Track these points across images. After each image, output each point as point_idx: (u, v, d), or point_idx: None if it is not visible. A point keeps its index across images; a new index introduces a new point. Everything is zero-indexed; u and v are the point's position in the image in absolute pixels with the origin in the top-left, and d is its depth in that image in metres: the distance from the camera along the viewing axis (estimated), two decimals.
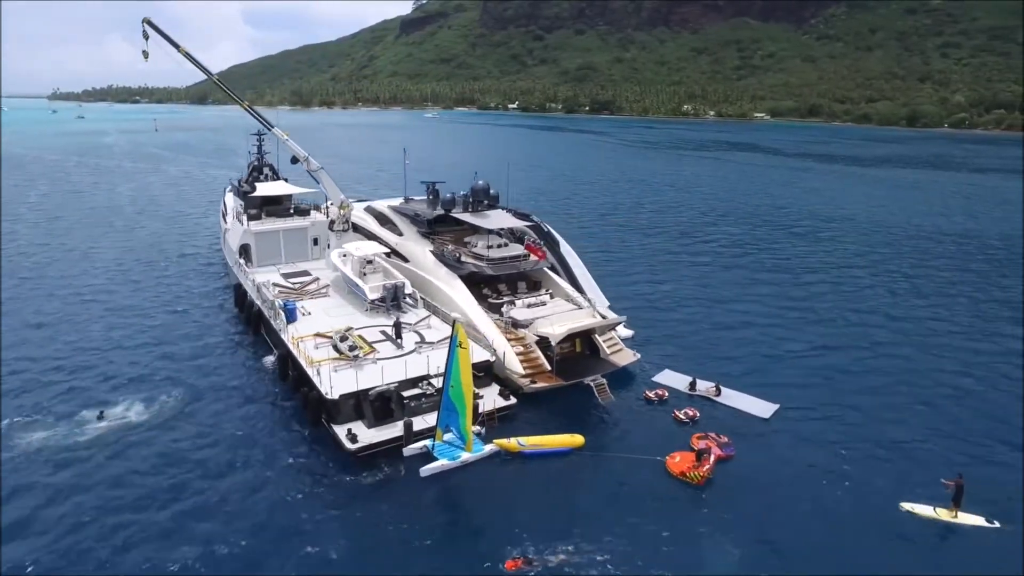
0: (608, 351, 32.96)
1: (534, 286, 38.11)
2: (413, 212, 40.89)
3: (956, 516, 21.18)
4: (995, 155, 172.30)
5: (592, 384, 30.38)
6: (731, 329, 39.39)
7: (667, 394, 30.53)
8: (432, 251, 38.02)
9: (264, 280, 38.88)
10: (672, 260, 55.94)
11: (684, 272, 52.10)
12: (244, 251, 43.31)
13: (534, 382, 30.25)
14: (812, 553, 20.09)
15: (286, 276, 40.94)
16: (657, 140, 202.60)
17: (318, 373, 27.24)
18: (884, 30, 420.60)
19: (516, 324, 32.79)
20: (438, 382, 28.43)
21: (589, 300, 38.40)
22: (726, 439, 26.34)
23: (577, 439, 26.20)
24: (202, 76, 43.61)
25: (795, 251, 59.97)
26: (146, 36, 37.57)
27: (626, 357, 32.95)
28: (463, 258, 36.39)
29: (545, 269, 38.26)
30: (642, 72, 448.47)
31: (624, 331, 37.52)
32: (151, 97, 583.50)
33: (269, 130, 42.54)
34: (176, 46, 38.92)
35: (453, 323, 24.51)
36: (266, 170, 50.60)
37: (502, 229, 37.93)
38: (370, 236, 43.39)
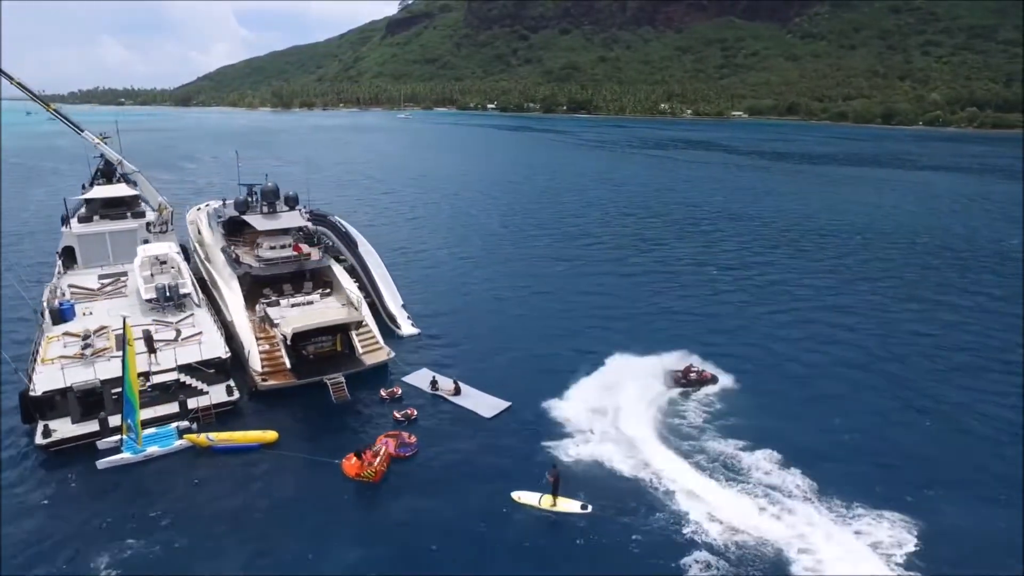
0: (361, 350, 33.70)
1: (325, 285, 38.88)
2: (217, 215, 41.67)
3: (556, 504, 22.38)
4: (954, 152, 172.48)
5: (328, 383, 31.13)
6: (508, 331, 39.94)
7: (400, 392, 31.26)
8: (221, 251, 38.84)
9: (71, 283, 39.70)
10: (511, 260, 56.28)
11: (511, 272, 52.48)
12: (68, 253, 44.06)
13: (265, 380, 30.97)
14: (445, 549, 20.90)
15: (102, 278, 41.65)
16: (615, 139, 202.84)
17: (34, 370, 28.06)
18: (868, 28, 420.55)
19: (268, 322, 33.52)
20: (161, 378, 29.42)
21: (376, 299, 39.26)
22: (413, 439, 27.03)
23: (269, 435, 26.95)
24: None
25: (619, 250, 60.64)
26: None
27: (378, 356, 33.70)
28: (241, 258, 37.17)
29: (335, 269, 39.00)
30: (625, 71, 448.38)
31: (410, 329, 38.48)
32: (136, 99, 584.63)
33: (79, 134, 43.19)
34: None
35: (124, 321, 25.38)
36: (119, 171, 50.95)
37: (291, 229, 38.68)
38: (198, 238, 44.37)
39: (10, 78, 40.04)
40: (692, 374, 31.75)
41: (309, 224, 40.60)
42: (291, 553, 20.67)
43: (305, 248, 38.00)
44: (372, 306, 40.34)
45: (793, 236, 66.44)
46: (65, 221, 44.85)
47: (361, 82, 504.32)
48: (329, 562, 20.32)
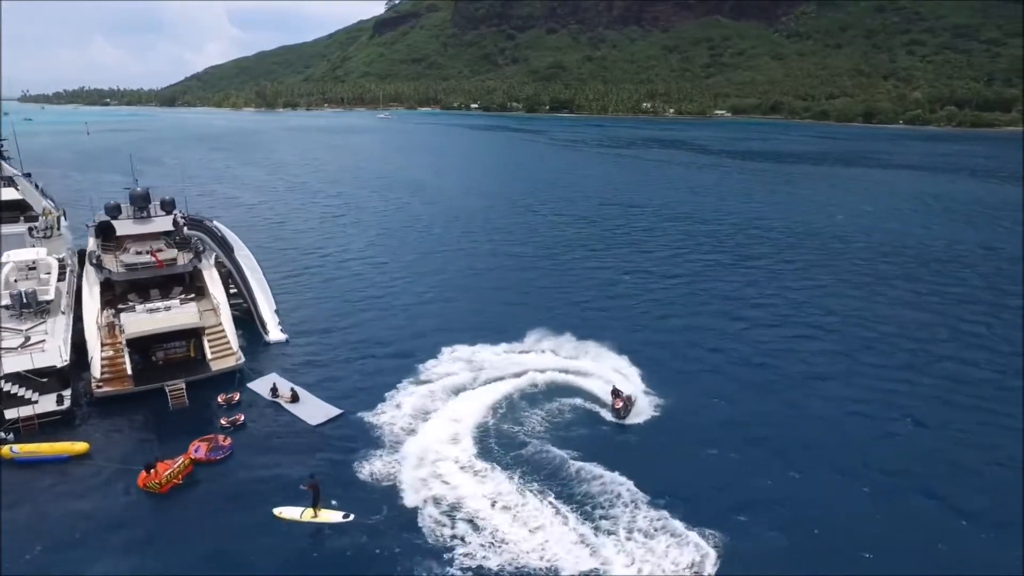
0: (210, 355, 33.43)
1: (199, 291, 38.56)
2: (96, 220, 41.31)
3: (317, 515, 22.31)
4: (927, 151, 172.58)
5: (168, 389, 30.84)
6: (380, 339, 39.70)
7: (239, 397, 31.19)
8: (88, 255, 38.50)
9: None
10: (423, 266, 56.12)
11: (396, 277, 52.40)
12: None
13: (100, 387, 30.63)
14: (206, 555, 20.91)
15: None
16: (587, 138, 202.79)
17: None
18: (853, 28, 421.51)
19: (117, 328, 33.17)
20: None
21: (251, 304, 38.91)
22: (227, 443, 26.89)
23: (79, 447, 26.70)
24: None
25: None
26: None
27: (227, 362, 33.55)
28: (105, 263, 36.83)
29: (205, 274, 38.67)
30: (611, 71, 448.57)
31: (278, 335, 38.22)
32: (120, 99, 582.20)
33: None
34: None
35: None
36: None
37: (159, 233, 38.40)
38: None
39: None
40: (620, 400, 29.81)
41: (185, 228, 40.26)
42: (42, 562, 20.36)
43: (171, 253, 37.61)
44: (247, 311, 40.22)
45: (723, 236, 66.31)
46: None
47: (348, 82, 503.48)
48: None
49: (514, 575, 19.88)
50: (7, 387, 29.38)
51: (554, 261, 57.13)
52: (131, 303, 35.98)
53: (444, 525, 21.91)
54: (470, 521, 22.03)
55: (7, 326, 34.22)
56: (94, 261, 36.82)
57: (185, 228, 40.77)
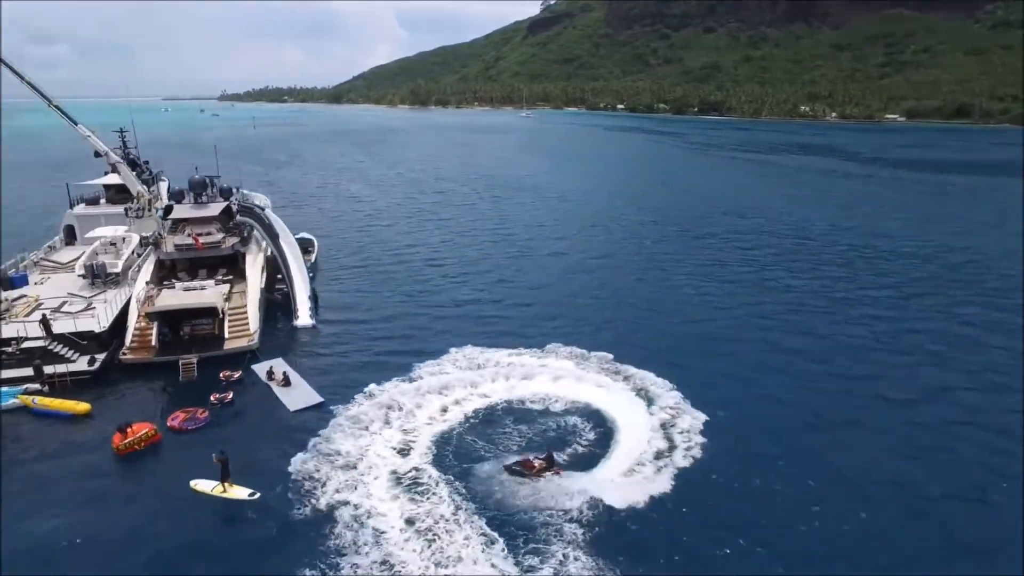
0: (227, 335, 35.93)
1: (240, 273, 41.73)
2: (166, 204, 46.11)
3: (226, 490, 23.07)
4: None
5: (181, 362, 33.66)
6: (406, 333, 40.39)
7: (238, 376, 33.22)
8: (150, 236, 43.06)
9: (51, 257, 46.13)
10: (483, 264, 56.14)
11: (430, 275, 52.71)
12: (69, 231, 50.93)
13: (126, 354, 34.08)
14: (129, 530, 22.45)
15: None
16: (727, 142, 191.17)
17: None
18: None
19: (148, 302, 36.66)
20: (28, 344, 33.40)
21: (289, 289, 41.50)
22: (203, 416, 28.87)
23: (82, 407, 29.82)
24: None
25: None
26: None
27: (239, 342, 35.86)
28: (161, 244, 40.96)
29: (248, 258, 41.66)
30: (771, 72, 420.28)
31: (306, 321, 40.35)
32: (296, 97, 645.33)
33: (74, 126, 49.32)
34: (8, 66, 46.75)
35: None
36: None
37: (209, 217, 42.02)
38: None
39: (21, 77, 47.06)
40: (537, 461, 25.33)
41: (237, 215, 43.63)
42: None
43: (215, 237, 40.94)
44: (287, 296, 42.80)
45: (840, 253, 59.18)
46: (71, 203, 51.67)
47: (499, 81, 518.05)
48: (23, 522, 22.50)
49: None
50: (54, 347, 33.62)
51: (626, 270, 53.94)
52: (175, 280, 39.65)
53: (343, 531, 21.51)
54: (376, 535, 21.27)
55: (77, 293, 39.21)
56: (152, 241, 41.07)
57: (237, 215, 44.06)
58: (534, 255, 58.52)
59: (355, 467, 25.06)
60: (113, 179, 53.24)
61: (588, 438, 27.42)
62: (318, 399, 30.94)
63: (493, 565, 20.22)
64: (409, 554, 20.55)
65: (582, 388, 31.80)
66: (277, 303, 43.29)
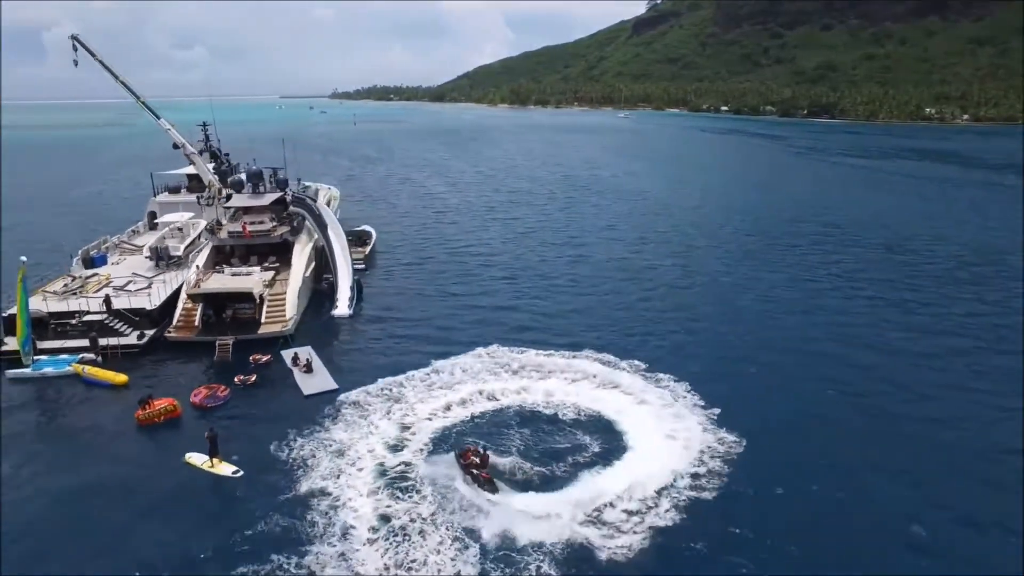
0: (263, 319, 37.50)
1: (288, 261, 43.47)
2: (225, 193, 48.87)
3: (214, 465, 24.25)
4: None
5: (217, 343, 35.50)
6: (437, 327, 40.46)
7: (266, 359, 34.53)
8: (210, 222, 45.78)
9: (132, 240, 50.20)
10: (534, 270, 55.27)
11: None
12: (151, 217, 55.19)
13: (170, 332, 36.33)
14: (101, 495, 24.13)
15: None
16: (827, 146, 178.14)
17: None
18: None
19: (195, 285, 38.83)
20: (95, 316, 36.37)
21: (333, 278, 42.91)
22: (223, 393, 30.45)
23: (120, 378, 32.09)
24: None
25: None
26: (75, 48, 50.45)
27: (273, 327, 37.35)
28: (217, 231, 43.40)
29: (296, 247, 43.32)
30: (895, 71, 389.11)
31: (344, 311, 41.54)
32: (401, 95, 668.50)
33: (157, 120, 53.17)
34: (98, 59, 51.30)
35: (21, 264, 32.53)
36: (205, 155, 61.29)
37: (263, 207, 44.14)
38: None
39: (115, 76, 51.43)
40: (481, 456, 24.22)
41: (290, 206, 45.51)
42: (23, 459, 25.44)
43: (264, 226, 42.87)
44: (332, 285, 44.17)
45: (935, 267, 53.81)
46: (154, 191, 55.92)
47: (601, 81, 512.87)
48: (51, 478, 24.66)
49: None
50: (112, 321, 36.38)
51: (690, 281, 50.06)
52: (225, 266, 41.85)
53: (316, 519, 21.60)
54: (344, 529, 21.19)
55: (141, 273, 42.25)
56: (209, 228, 43.56)
57: (291, 206, 45.90)
58: (593, 259, 56.62)
59: (344, 456, 25.25)
60: (192, 169, 57.04)
61: (583, 455, 25.60)
62: (332, 386, 31.55)
63: (457, 572, 19.58)
64: (370, 553, 20.27)
65: (601, 398, 30.37)
66: (323, 292, 44.62)
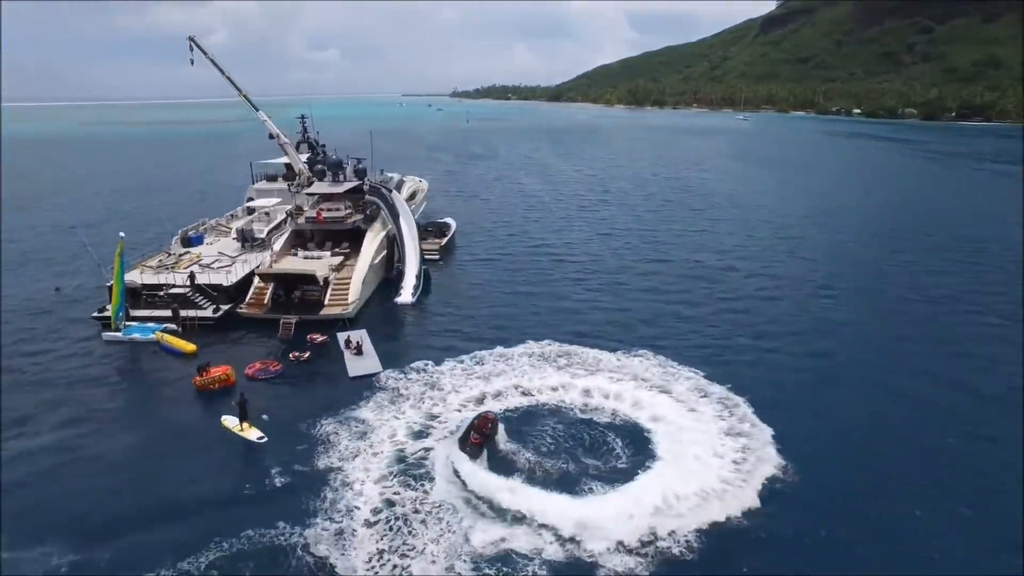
0: (326, 302, 38.98)
1: (358, 247, 44.89)
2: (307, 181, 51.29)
3: (243, 429, 25.73)
4: None
5: (282, 321, 37.36)
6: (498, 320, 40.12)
7: (322, 339, 35.92)
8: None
9: (227, 223, 54.15)
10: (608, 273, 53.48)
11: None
12: (249, 202, 59.15)
13: (241, 308, 38.63)
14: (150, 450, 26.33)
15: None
16: (974, 151, 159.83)
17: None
18: None
19: (269, 266, 41.02)
20: (179, 290, 39.46)
21: (401, 265, 44.04)
22: (275, 368, 32.27)
23: (190, 347, 34.53)
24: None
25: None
26: (192, 49, 55.03)
27: (333, 310, 38.68)
28: (294, 216, 45.68)
29: (368, 235, 44.71)
30: None
31: (406, 299, 42.49)
32: (518, 95, 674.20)
33: (255, 110, 56.68)
34: (209, 58, 55.61)
35: (119, 239, 35.74)
36: (303, 145, 64.35)
37: (340, 194, 46.02)
38: None
39: (221, 71, 55.55)
40: (487, 426, 25.03)
41: (366, 195, 47.06)
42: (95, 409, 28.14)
43: (339, 213, 44.56)
44: (401, 273, 45.19)
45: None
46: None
47: (723, 83, 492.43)
48: (112, 427, 27.20)
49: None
50: (193, 296, 39.25)
51: (779, 291, 45.64)
52: (299, 249, 43.90)
53: (326, 494, 22.04)
54: (349, 510, 21.35)
55: (227, 253, 45.26)
56: (290, 213, 45.89)
57: (367, 194, 47.37)
58: (674, 264, 53.34)
59: (365, 438, 25.53)
60: (282, 159, 60.68)
61: (608, 462, 24.28)
62: (377, 370, 32.14)
63: (450, 566, 19.09)
64: (367, 534, 20.28)
65: (644, 402, 28.70)
66: (393, 280, 45.66)
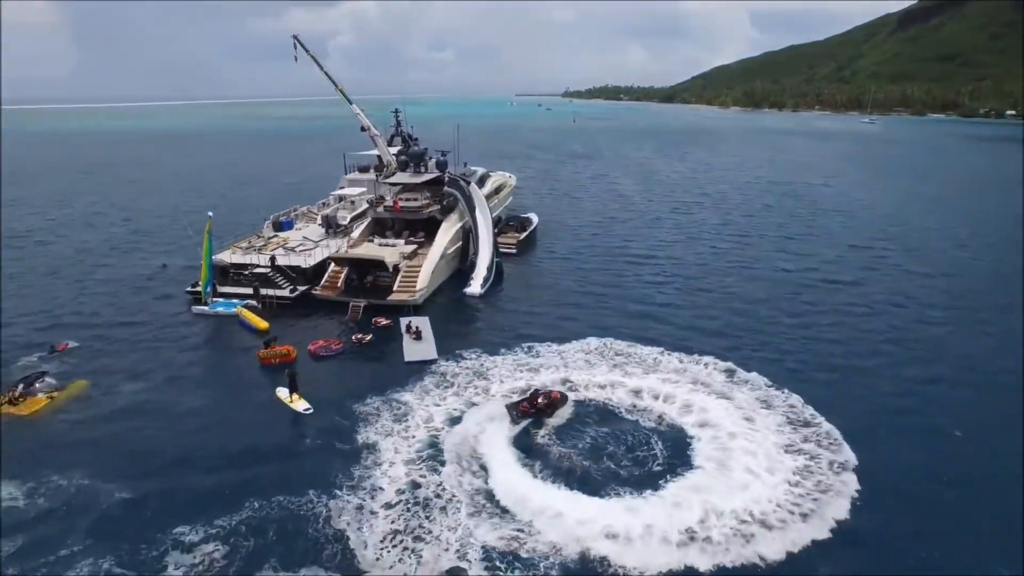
0: (395, 288, 39.98)
1: (433, 237, 45.70)
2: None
3: (293, 401, 27.19)
4: None
5: (351, 304, 38.77)
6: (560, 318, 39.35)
7: (387, 323, 36.82)
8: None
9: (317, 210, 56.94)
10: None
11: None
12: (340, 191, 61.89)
13: (315, 290, 40.39)
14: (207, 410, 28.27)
15: None
16: None
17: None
18: None
19: (345, 251, 42.58)
20: (262, 270, 41.95)
21: (473, 257, 44.47)
22: (336, 347, 33.66)
23: (263, 324, 36.49)
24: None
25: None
26: (295, 47, 58.01)
27: (401, 296, 39.63)
28: (375, 205, 47.21)
29: (444, 225, 45.41)
30: None
31: (474, 290, 42.91)
32: (630, 95, 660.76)
33: (350, 104, 58.76)
34: (310, 55, 58.36)
35: (208, 218, 38.42)
36: (397, 140, 66.01)
37: (418, 184, 47.10)
38: None
39: (320, 66, 58.20)
40: (540, 399, 26.37)
41: (445, 186, 47.82)
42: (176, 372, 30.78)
43: (416, 203, 45.54)
44: (473, 264, 45.53)
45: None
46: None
47: (852, 83, 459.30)
48: (182, 390, 29.47)
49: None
50: (274, 276, 41.51)
51: (867, 310, 40.53)
52: (376, 237, 45.25)
53: (354, 471, 22.62)
54: (375, 486, 21.74)
55: (311, 238, 47.50)
56: (371, 201, 47.42)
57: (446, 186, 48.05)
58: (760, 272, 49.46)
59: (403, 421, 25.79)
60: (375, 152, 62.69)
61: (642, 468, 23.03)
62: (432, 356, 32.50)
63: (462, 555, 18.84)
64: (386, 513, 20.48)
65: (697, 406, 27.19)
66: (466, 271, 45.97)
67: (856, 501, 21.30)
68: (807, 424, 25.91)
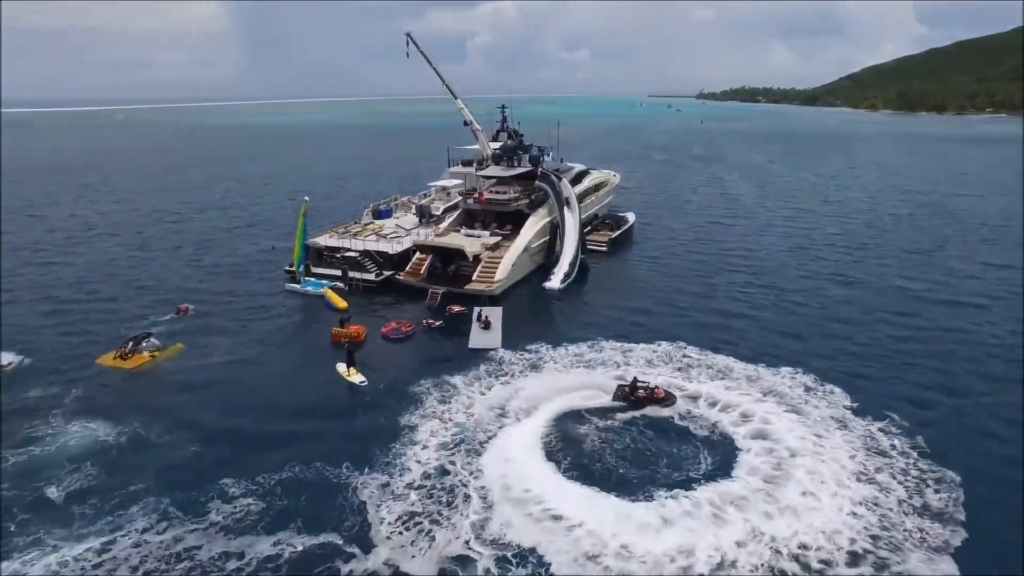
0: (474, 278, 40.76)
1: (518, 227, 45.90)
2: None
3: (350, 374, 29.61)
4: None
5: (429, 290, 40.06)
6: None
7: (459, 311, 37.65)
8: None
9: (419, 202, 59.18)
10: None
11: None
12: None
13: (398, 275, 42.03)
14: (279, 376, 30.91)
15: None
16: None
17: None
18: None
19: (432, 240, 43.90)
20: (352, 254, 44.36)
21: (558, 252, 44.41)
22: (406, 329, 35.18)
23: (343, 304, 38.70)
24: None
25: None
26: (408, 44, 60.40)
27: (478, 286, 40.39)
28: (465, 197, 48.28)
29: (531, 219, 45.60)
30: None
31: (554, 285, 43.21)
32: (769, 97, 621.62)
33: (455, 99, 60.22)
34: (420, 51, 60.52)
35: (304, 202, 41.16)
36: (503, 135, 66.45)
37: (508, 178, 47.65)
38: None
39: (429, 62, 60.23)
40: (640, 390, 26.54)
41: (537, 181, 48.00)
42: (244, 347, 33.22)
43: (504, 196, 46.04)
44: (555, 259, 45.38)
45: None
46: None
47: None
48: (261, 358, 32.25)
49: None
50: (363, 260, 43.67)
51: (982, 332, 36.19)
52: (463, 227, 46.21)
53: (392, 445, 23.54)
54: (404, 466, 22.38)
55: (403, 226, 49.40)
56: (462, 193, 48.53)
57: (537, 180, 48.12)
58: (866, 286, 44.51)
59: (446, 404, 26.31)
60: (476, 146, 63.82)
61: (681, 476, 21.90)
62: (495, 345, 32.84)
63: (468, 543, 18.78)
64: (407, 495, 20.89)
65: (755, 417, 25.34)
66: (550, 266, 45.68)
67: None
68: (886, 452, 23.30)
